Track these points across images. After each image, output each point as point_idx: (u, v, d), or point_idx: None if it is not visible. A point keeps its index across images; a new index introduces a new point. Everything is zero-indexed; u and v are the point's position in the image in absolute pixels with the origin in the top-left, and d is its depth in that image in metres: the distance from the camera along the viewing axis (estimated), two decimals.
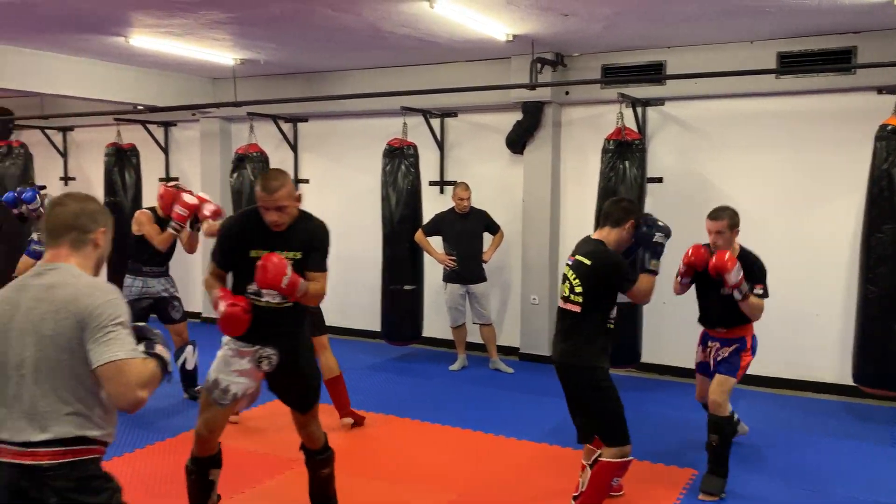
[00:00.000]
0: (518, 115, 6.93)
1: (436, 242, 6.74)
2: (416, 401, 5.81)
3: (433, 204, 7.30)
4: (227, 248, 3.34)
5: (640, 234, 3.62)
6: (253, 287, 3.22)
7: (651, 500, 4.04)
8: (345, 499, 3.87)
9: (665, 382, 6.44)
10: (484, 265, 6.71)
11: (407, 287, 6.88)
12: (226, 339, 3.37)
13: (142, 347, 2.11)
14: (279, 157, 8.20)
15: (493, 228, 6.74)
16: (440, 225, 6.68)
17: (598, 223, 3.86)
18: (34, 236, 7.57)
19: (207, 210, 5.37)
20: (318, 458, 3.56)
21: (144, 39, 6.17)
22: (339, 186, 8.10)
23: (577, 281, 3.51)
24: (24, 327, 2.01)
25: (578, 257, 3.56)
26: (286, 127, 8.25)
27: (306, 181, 8.32)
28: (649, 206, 6.27)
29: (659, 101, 6.51)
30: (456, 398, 5.93)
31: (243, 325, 3.18)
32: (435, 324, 7.37)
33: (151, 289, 5.53)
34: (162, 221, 5.46)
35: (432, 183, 7.52)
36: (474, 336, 6.94)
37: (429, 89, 6.68)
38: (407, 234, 6.84)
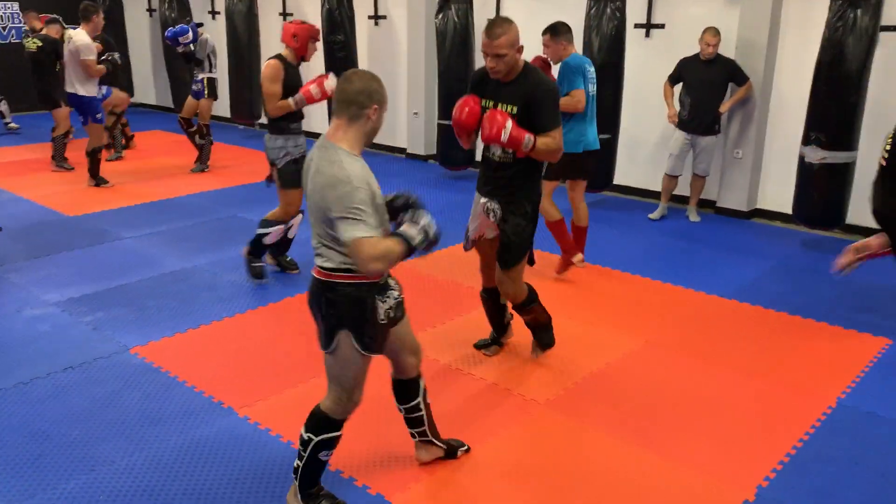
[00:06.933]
0: None
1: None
2: (607, 248, 6.05)
3: (638, 49, 7.13)
4: (474, 93, 3.61)
5: None
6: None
7: (839, 366, 4.14)
8: None
9: None
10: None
11: (602, 136, 6.91)
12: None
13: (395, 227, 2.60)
14: None
15: (740, 79, 6.48)
16: (683, 70, 6.55)
17: None
18: (197, 76, 8.28)
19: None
20: (518, 309, 3.89)
21: None
22: (542, 27, 8.01)
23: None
24: (311, 192, 2.58)
25: None
26: None
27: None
28: (880, 61, 5.79)
29: None
30: (649, 248, 6.12)
31: (465, 111, 3.50)
32: (628, 172, 7.47)
33: (300, 147, 4.97)
34: (290, 69, 4.89)
35: (638, 25, 7.28)
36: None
37: None
38: (608, 83, 6.78)
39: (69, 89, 7.41)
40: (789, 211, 6.40)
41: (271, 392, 3.77)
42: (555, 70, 5.21)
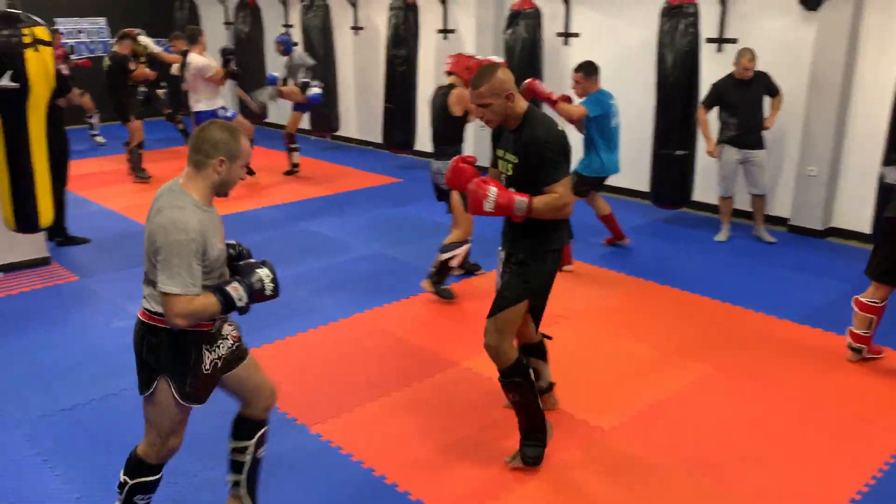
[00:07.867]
0: None
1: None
2: (678, 268, 6.00)
3: (710, 63, 7.04)
4: (492, 143, 3.41)
5: None
6: None
7: None
8: (605, 356, 4.36)
9: None
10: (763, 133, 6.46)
11: (679, 152, 6.86)
12: None
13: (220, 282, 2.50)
14: (550, 11, 8.27)
15: (773, 90, 6.40)
16: (722, 93, 6.43)
17: None
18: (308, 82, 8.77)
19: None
20: (500, 380, 3.31)
21: None
22: (612, 42, 7.99)
23: None
24: (147, 230, 2.49)
25: None
26: None
27: (576, 35, 8.32)
28: None
29: None
30: (718, 269, 6.02)
31: (459, 174, 3.32)
32: (703, 188, 7.36)
33: None
34: None
35: (710, 40, 7.18)
36: (740, 203, 6.85)
37: None
38: (681, 99, 6.72)
39: (194, 108, 7.87)
40: (867, 230, 6.22)
41: (343, 409, 3.90)
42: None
